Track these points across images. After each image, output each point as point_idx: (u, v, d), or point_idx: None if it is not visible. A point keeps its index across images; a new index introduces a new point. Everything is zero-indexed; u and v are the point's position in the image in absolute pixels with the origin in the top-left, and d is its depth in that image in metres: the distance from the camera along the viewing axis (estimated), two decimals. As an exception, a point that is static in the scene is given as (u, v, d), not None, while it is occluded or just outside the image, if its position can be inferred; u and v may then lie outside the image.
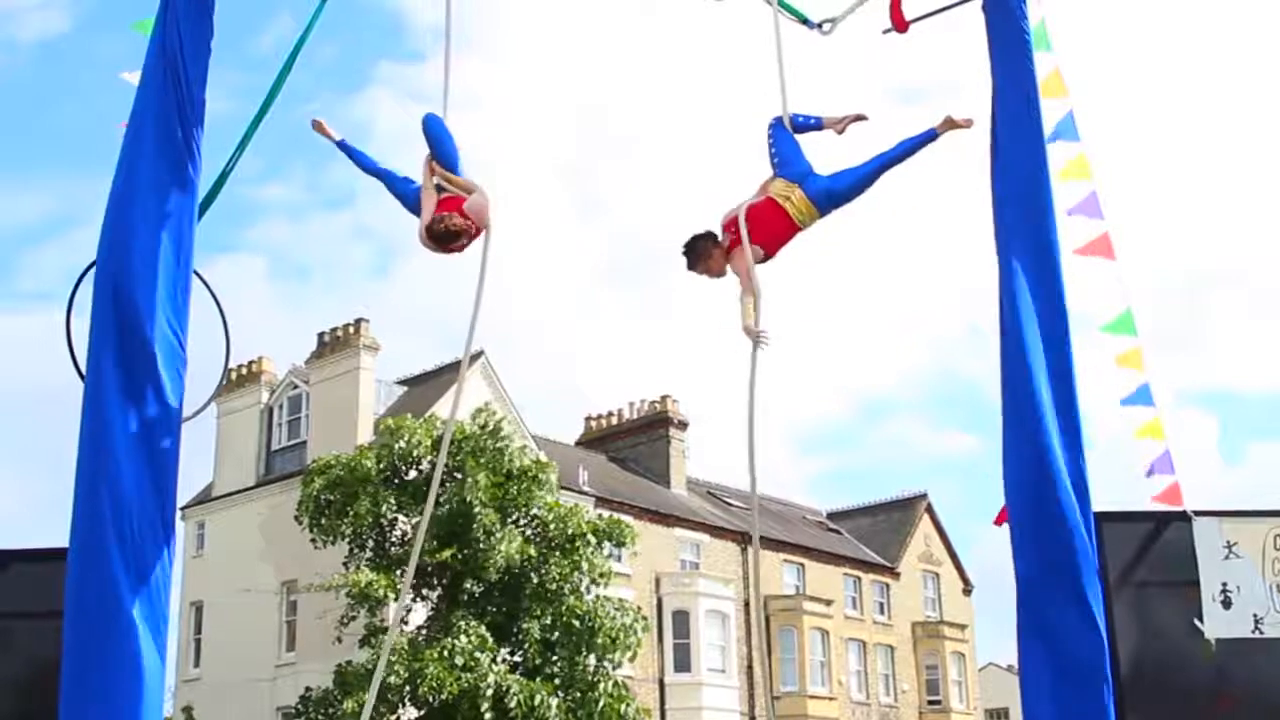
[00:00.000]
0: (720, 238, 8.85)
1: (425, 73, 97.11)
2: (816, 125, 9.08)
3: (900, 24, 9.62)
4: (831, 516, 64.42)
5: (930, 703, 59.28)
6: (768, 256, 8.83)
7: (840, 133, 9.11)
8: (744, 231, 8.70)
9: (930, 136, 8.74)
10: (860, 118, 9.12)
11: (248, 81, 79.93)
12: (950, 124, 8.70)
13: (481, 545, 31.08)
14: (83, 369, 8.39)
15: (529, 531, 32.75)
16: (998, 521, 8.22)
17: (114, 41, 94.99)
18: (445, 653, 29.92)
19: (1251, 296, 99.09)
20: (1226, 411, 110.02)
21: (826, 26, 9.69)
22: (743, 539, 53.70)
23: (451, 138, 9.24)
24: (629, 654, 32.97)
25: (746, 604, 52.02)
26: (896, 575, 60.28)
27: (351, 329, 46.02)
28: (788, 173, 8.87)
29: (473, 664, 30.04)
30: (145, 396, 8.02)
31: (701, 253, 8.87)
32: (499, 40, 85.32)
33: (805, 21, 9.72)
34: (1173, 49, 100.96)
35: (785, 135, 9.00)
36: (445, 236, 8.81)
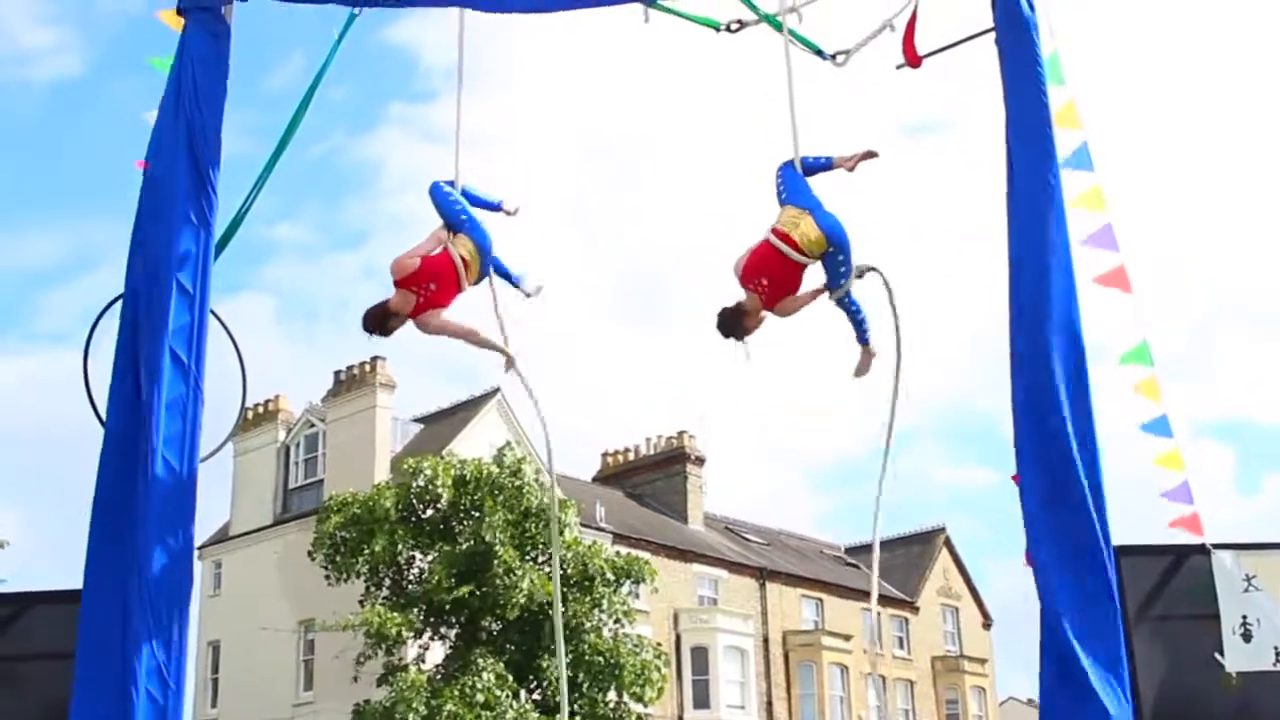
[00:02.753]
0: (746, 298, 8.86)
1: (435, 112, 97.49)
2: (826, 165, 9.11)
3: (913, 59, 9.62)
4: (850, 551, 64.20)
5: (951, 737, 59.05)
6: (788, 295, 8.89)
7: (851, 170, 9.15)
8: (780, 248, 8.72)
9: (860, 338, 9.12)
10: (870, 155, 9.19)
11: (259, 120, 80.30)
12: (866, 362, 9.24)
13: (501, 583, 31.03)
14: (100, 410, 8.42)
15: (548, 569, 32.70)
16: (1028, 561, 8.17)
17: (127, 84, 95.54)
18: (464, 691, 29.86)
19: (1266, 327, 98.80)
20: (1242, 442, 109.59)
21: (840, 58, 9.70)
22: (761, 574, 53.57)
23: (447, 198, 9.36)
24: (656, 691, 32.89)
25: (765, 639, 51.89)
26: (915, 609, 60.05)
27: (368, 367, 46.07)
28: (797, 200, 8.88)
29: (493, 702, 29.98)
30: (163, 437, 8.03)
31: (736, 324, 8.91)
32: (506, 76, 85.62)
33: (819, 53, 9.73)
34: (1186, 78, 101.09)
35: (795, 174, 9.02)
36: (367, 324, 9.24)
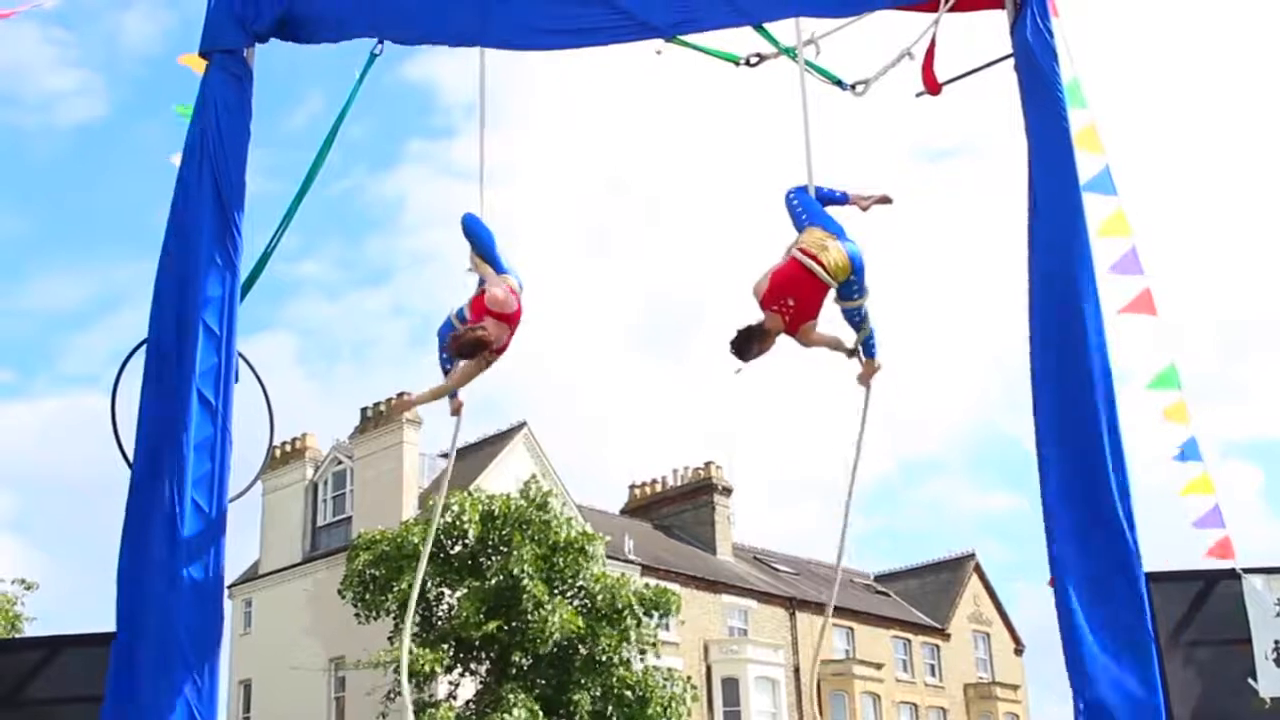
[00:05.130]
0: (767, 318, 8.77)
1: (455, 148, 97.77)
2: (842, 200, 9.12)
3: (933, 86, 9.63)
4: (879, 579, 64.05)
5: (985, 765, 58.70)
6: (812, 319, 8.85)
7: (864, 210, 9.18)
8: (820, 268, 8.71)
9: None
10: (885, 200, 9.21)
11: (279, 160, 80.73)
12: (869, 373, 9.16)
13: (530, 618, 31.00)
14: (128, 452, 8.44)
15: (576, 603, 32.67)
16: (1052, 583, 8.13)
17: (151, 127, 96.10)
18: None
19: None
20: (1271, 462, 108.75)
21: (859, 88, 9.73)
22: (790, 604, 53.43)
23: (489, 232, 9.38)
24: (683, 724, 32.86)
25: (796, 669, 51.71)
26: (947, 636, 59.82)
27: (394, 403, 46.14)
28: (823, 223, 8.86)
29: (525, 737, 29.99)
30: (192, 478, 8.06)
31: (751, 345, 8.76)
32: (526, 111, 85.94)
33: (838, 83, 9.77)
34: (1203, 91, 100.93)
35: (811, 199, 9.04)
36: (469, 348, 8.99)
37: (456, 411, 9.77)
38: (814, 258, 8.68)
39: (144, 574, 7.93)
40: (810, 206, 8.99)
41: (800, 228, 8.94)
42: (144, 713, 7.71)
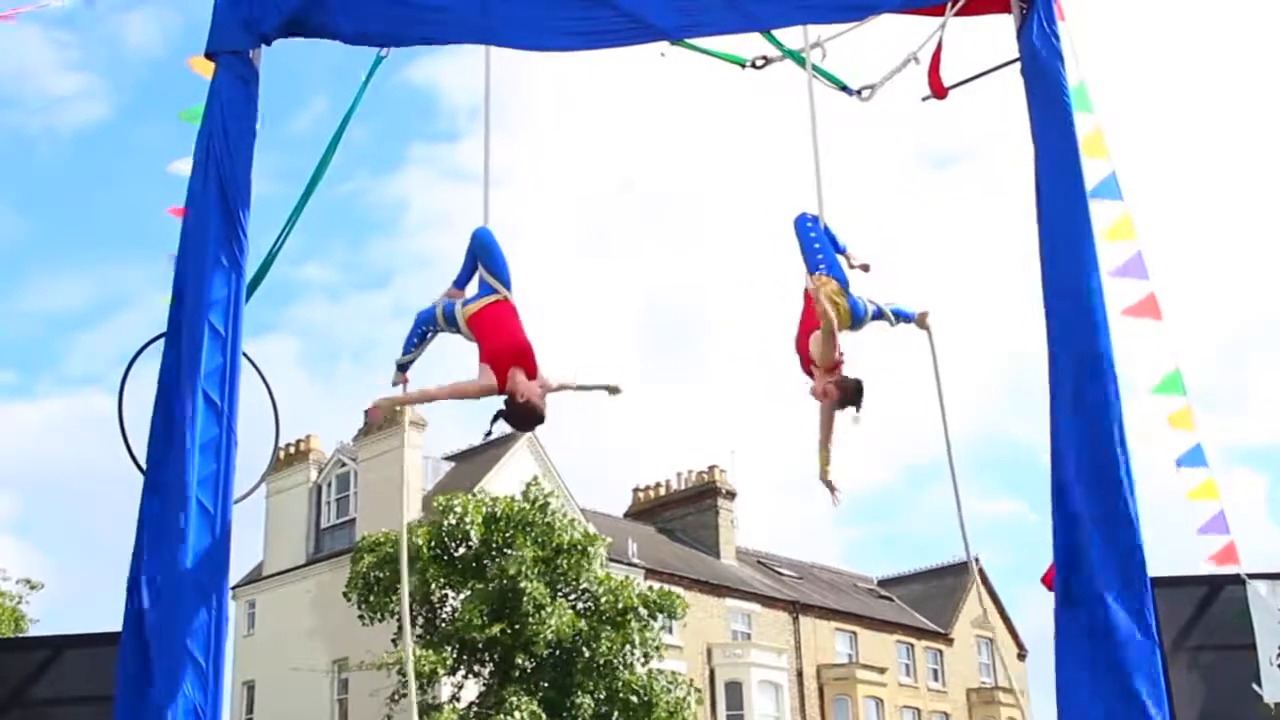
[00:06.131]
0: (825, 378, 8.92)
1: (458, 151, 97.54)
2: (840, 250, 9.18)
3: (939, 91, 9.65)
4: (883, 583, 64.02)
5: (988, 770, 58.64)
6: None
7: (849, 268, 9.21)
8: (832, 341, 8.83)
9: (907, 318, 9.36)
10: (865, 269, 9.35)
11: (283, 163, 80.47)
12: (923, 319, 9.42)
13: (531, 620, 31.03)
14: (135, 452, 8.45)
15: (580, 605, 32.69)
16: (1046, 582, 8.12)
17: (154, 129, 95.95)
18: (498, 729, 29.89)
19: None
20: (1275, 468, 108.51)
21: (865, 93, 9.74)
22: (794, 608, 53.40)
23: (500, 248, 9.24)
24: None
25: (799, 673, 51.68)
26: (950, 641, 59.76)
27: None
28: (839, 275, 8.95)
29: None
30: (197, 479, 8.07)
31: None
32: (528, 113, 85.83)
33: (844, 88, 9.78)
34: (1204, 93, 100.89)
35: (831, 240, 9.10)
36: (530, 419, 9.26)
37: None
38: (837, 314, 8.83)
39: (150, 575, 7.94)
40: (828, 251, 9.04)
41: (814, 265, 8.97)
42: (150, 713, 7.71)
